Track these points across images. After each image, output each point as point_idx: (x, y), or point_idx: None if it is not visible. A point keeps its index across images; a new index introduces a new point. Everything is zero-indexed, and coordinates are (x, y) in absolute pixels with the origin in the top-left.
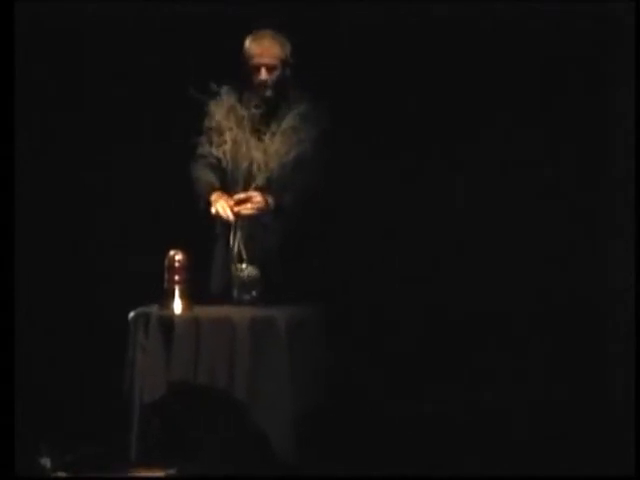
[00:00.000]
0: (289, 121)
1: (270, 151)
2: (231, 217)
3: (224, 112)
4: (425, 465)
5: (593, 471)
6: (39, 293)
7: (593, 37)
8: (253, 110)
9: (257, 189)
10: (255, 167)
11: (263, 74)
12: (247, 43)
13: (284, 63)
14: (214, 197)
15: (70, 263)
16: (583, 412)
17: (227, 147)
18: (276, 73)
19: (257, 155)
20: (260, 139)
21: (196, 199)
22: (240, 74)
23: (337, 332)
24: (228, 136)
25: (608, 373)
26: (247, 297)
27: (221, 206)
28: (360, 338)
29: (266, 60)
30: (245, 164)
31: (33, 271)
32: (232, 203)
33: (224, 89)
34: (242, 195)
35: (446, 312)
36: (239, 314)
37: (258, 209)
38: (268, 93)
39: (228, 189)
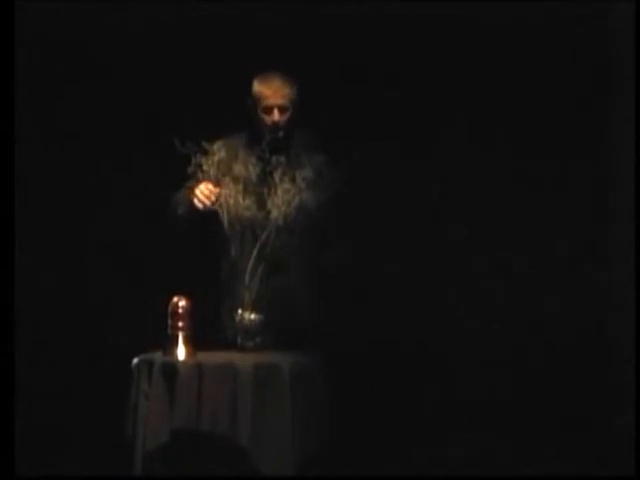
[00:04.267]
0: (301, 172)
1: (276, 202)
2: (213, 197)
3: (218, 169)
4: None
5: (593, 471)
6: (40, 313)
7: (593, 37)
8: (261, 155)
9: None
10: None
11: (276, 115)
12: (255, 85)
13: (293, 105)
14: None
15: (72, 282)
16: (583, 412)
17: (223, 201)
18: (287, 114)
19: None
20: (266, 188)
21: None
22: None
23: (341, 378)
24: (224, 192)
25: (609, 373)
26: (251, 343)
27: (199, 190)
28: (363, 384)
29: (279, 101)
30: (247, 215)
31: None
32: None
33: (217, 145)
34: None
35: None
36: (242, 360)
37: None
38: (280, 134)
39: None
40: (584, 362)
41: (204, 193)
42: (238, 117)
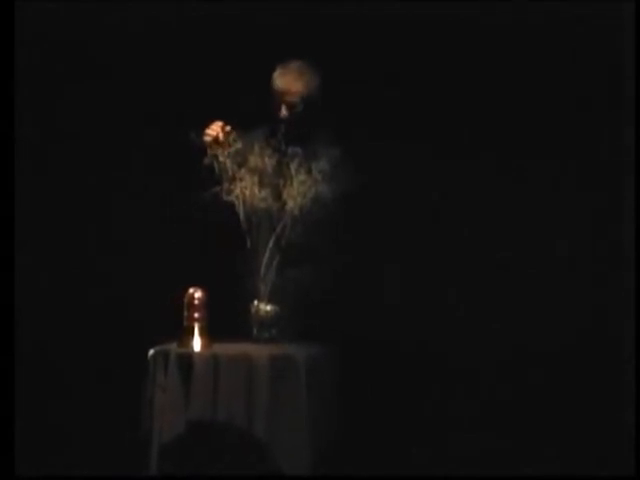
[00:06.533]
0: (317, 164)
1: (291, 193)
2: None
3: (233, 160)
4: None
5: (593, 471)
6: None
7: (593, 37)
8: (277, 147)
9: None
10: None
11: (283, 111)
12: (274, 76)
13: (307, 99)
14: None
15: (72, 282)
16: (583, 412)
17: (239, 193)
18: (296, 110)
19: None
20: (282, 179)
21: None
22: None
23: (355, 371)
24: (240, 183)
25: (609, 373)
26: (266, 335)
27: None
28: (378, 378)
29: (287, 98)
30: (263, 206)
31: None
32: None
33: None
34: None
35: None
36: (258, 352)
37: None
38: (287, 129)
39: (245, 232)
40: (584, 362)
41: (211, 127)
42: (238, 116)
